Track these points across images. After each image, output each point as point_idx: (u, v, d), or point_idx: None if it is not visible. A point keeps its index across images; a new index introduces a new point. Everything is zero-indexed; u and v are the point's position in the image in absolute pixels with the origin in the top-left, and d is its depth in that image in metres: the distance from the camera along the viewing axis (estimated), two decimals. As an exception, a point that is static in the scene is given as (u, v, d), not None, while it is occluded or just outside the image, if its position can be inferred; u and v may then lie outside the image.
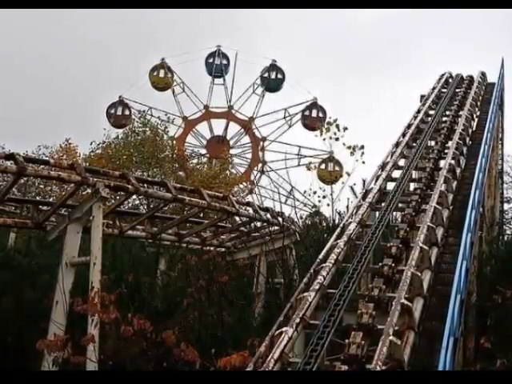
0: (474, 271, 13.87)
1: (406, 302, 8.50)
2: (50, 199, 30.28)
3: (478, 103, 22.02)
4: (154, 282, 16.42)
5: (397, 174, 14.60)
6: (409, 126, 18.19)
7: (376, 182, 13.99)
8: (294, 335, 7.97)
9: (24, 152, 35.70)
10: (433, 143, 17.21)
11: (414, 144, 16.63)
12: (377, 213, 12.16)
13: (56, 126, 67.08)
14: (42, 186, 35.21)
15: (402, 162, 15.67)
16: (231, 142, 53.74)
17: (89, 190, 15.81)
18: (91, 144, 40.07)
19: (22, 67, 71.62)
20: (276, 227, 18.05)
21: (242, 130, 53.89)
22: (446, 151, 16.18)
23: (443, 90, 22.73)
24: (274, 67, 55.04)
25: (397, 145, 16.62)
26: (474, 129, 19.95)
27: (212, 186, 34.22)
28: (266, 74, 55.15)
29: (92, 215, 12.83)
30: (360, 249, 9.90)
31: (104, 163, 34.64)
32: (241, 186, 45.40)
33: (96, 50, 71.70)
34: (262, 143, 53.47)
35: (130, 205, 31.68)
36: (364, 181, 19.28)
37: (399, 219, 12.59)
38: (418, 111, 19.80)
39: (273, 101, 54.70)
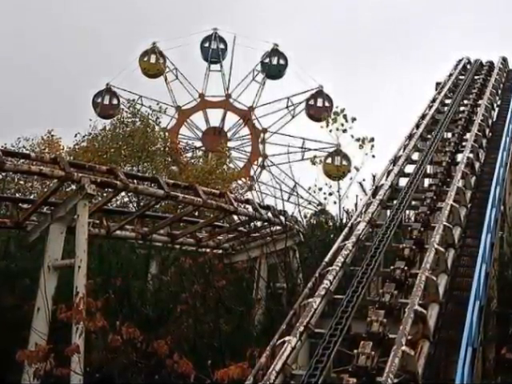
0: (494, 275, 13.84)
1: (419, 309, 8.43)
2: (31, 196, 30.39)
3: (499, 91, 21.89)
4: (144, 286, 16.43)
5: (410, 168, 14.50)
6: (423, 117, 18.05)
7: (387, 177, 13.88)
8: (297, 345, 7.95)
9: (2, 145, 35.89)
10: (449, 135, 17.12)
11: (429, 136, 16.54)
12: (388, 211, 12.08)
13: (38, 116, 67.12)
14: (22, 182, 35.24)
15: (415, 156, 15.61)
16: (229, 134, 53.86)
17: (73, 187, 15.89)
18: (76, 136, 40.12)
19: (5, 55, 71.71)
20: (278, 227, 18.05)
21: (241, 120, 53.94)
22: (463, 144, 16.06)
23: (460, 77, 22.62)
24: (275, 52, 55.06)
25: (410, 137, 16.53)
26: (494, 119, 19.87)
27: (208, 182, 34.28)
28: (266, 60, 55.18)
29: (77, 214, 12.83)
30: (370, 250, 9.87)
31: (90, 157, 34.67)
32: (239, 181, 45.42)
33: (82, 33, 71.67)
34: (262, 135, 53.51)
35: (118, 202, 31.70)
36: (374, 176, 19.24)
37: (412, 218, 12.50)
38: (433, 100, 19.66)
39: (274, 89, 54.82)
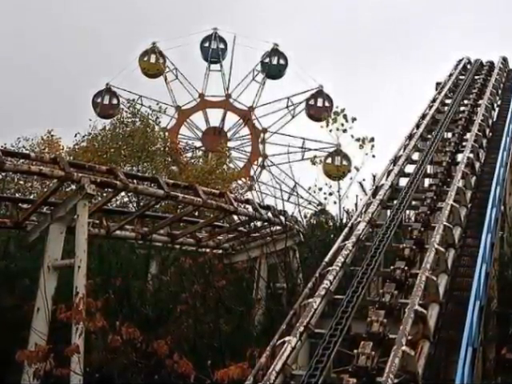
0: (494, 275, 13.83)
1: (420, 309, 8.42)
2: (31, 196, 30.38)
3: (499, 91, 21.91)
4: (144, 286, 16.42)
5: (410, 168, 14.50)
6: (423, 117, 18.00)
7: (387, 177, 13.87)
8: (297, 345, 7.93)
9: (2, 145, 35.92)
10: (449, 135, 17.07)
11: (429, 136, 16.57)
12: (388, 211, 12.08)
13: (38, 116, 67.12)
14: (21, 182, 35.25)
15: (415, 156, 15.64)
16: (229, 134, 53.84)
17: (73, 187, 15.89)
18: (76, 136, 40.11)
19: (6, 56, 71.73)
20: (278, 227, 18.04)
21: (241, 120, 53.91)
22: (463, 144, 16.06)
23: (461, 77, 22.55)
24: (275, 52, 55.01)
25: (410, 137, 16.49)
26: (494, 119, 19.88)
27: (208, 182, 34.28)
28: (266, 60, 55.14)
29: (76, 214, 12.82)
30: (370, 250, 9.87)
31: (90, 157, 34.68)
32: (239, 181, 45.41)
33: (82, 33, 71.69)
34: (262, 135, 53.46)
35: (118, 202, 31.70)
36: (374, 176, 19.17)
37: (413, 218, 12.46)
38: (434, 100, 19.65)
39: (274, 89, 54.78)
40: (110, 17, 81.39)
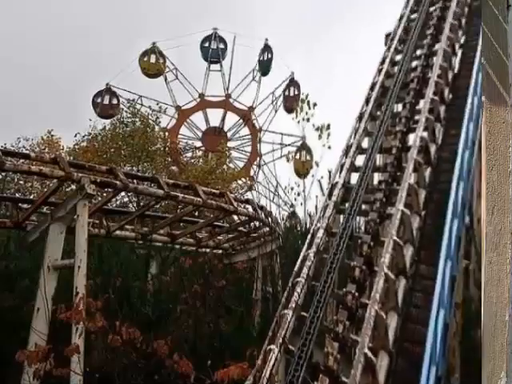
0: (456, 331, 9.78)
1: (369, 355, 7.52)
2: (31, 196, 30.39)
3: (463, 20, 14.80)
4: (144, 286, 16.42)
5: (361, 160, 11.30)
6: (372, 87, 13.36)
7: (340, 173, 11.22)
8: (278, 356, 7.88)
9: (2, 145, 35.94)
10: (400, 107, 12.61)
11: (379, 113, 12.43)
12: (341, 217, 10.09)
13: (38, 116, 67.15)
14: (21, 182, 35.24)
15: (366, 143, 12.04)
16: (229, 134, 53.75)
17: (73, 187, 15.88)
18: (76, 136, 40.10)
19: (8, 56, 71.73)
20: (267, 228, 18.02)
21: (241, 120, 53.84)
22: (416, 118, 11.82)
23: (413, 17, 15.69)
24: (266, 47, 54.85)
25: (360, 118, 12.60)
26: (456, 70, 13.75)
27: (208, 182, 34.25)
28: (261, 57, 55.05)
29: (76, 214, 12.82)
30: (326, 265, 8.80)
31: (90, 157, 34.69)
32: (239, 181, 45.36)
33: (82, 33, 71.73)
34: (259, 134, 53.38)
35: (118, 202, 31.70)
36: (330, 172, 16.25)
37: (363, 228, 10.19)
38: (383, 61, 14.28)
39: (274, 86, 54.64)
40: (110, 17, 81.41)
